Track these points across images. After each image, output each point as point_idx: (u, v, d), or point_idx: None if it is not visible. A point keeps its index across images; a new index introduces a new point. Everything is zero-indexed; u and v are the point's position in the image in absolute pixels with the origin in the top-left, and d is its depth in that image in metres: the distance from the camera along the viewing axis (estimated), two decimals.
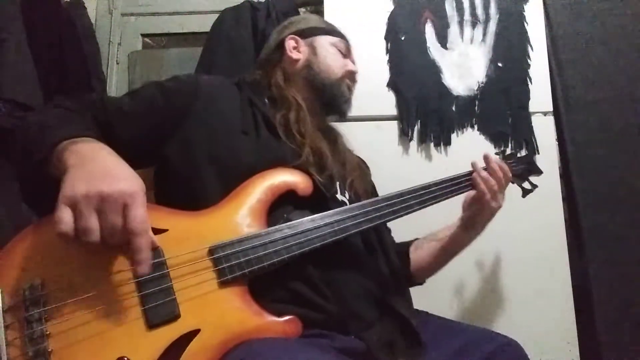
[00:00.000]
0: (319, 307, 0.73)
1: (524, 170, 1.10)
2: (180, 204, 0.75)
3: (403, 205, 0.86)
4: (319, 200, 0.81)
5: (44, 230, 0.62)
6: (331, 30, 1.07)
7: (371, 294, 0.82)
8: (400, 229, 1.06)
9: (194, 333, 0.62)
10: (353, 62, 1.08)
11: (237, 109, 0.87)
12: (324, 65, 1.01)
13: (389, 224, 1.04)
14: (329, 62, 1.01)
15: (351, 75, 1.05)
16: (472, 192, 0.98)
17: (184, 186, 0.79)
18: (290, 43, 1.03)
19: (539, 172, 1.12)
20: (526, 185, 1.09)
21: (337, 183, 0.91)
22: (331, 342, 0.70)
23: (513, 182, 1.06)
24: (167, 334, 0.61)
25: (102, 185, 0.56)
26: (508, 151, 1.14)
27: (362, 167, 1.09)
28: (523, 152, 1.37)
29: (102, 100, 0.81)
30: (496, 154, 1.08)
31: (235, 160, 0.80)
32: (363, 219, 0.80)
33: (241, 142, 0.82)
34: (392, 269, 0.91)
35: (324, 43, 1.04)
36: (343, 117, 1.06)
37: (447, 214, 1.02)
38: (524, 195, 1.08)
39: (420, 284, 1.06)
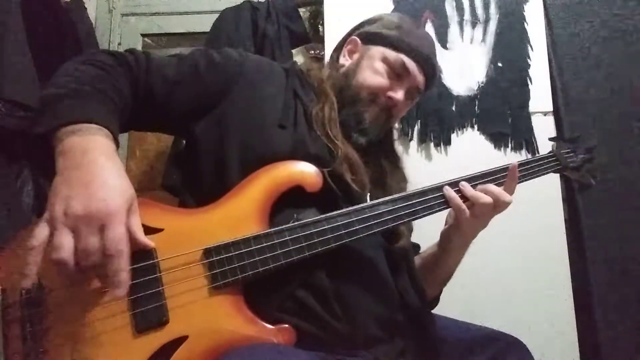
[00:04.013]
0: (327, 326, 0.67)
1: (584, 160, 0.91)
2: (206, 187, 0.73)
3: (425, 206, 0.74)
4: (330, 197, 0.73)
5: None
6: (398, 44, 0.87)
7: (389, 318, 0.75)
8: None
9: (182, 339, 0.60)
10: (409, 86, 0.88)
11: (279, 98, 0.80)
12: (358, 81, 0.86)
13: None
14: (367, 78, 0.86)
15: (387, 103, 0.86)
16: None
17: (211, 169, 0.76)
18: (348, 47, 0.93)
19: (601, 161, 0.93)
20: (584, 178, 0.91)
21: (367, 190, 0.81)
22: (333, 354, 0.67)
23: (569, 178, 0.91)
24: (154, 339, 0.59)
25: (78, 205, 0.54)
26: (566, 137, 0.94)
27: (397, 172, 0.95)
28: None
29: (147, 60, 0.76)
30: (551, 139, 0.92)
31: (268, 152, 0.73)
32: (374, 222, 0.70)
33: (277, 134, 0.76)
34: (418, 292, 0.81)
35: (375, 55, 0.88)
36: (353, 143, 0.85)
37: None
38: (581, 190, 0.96)
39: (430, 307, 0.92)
